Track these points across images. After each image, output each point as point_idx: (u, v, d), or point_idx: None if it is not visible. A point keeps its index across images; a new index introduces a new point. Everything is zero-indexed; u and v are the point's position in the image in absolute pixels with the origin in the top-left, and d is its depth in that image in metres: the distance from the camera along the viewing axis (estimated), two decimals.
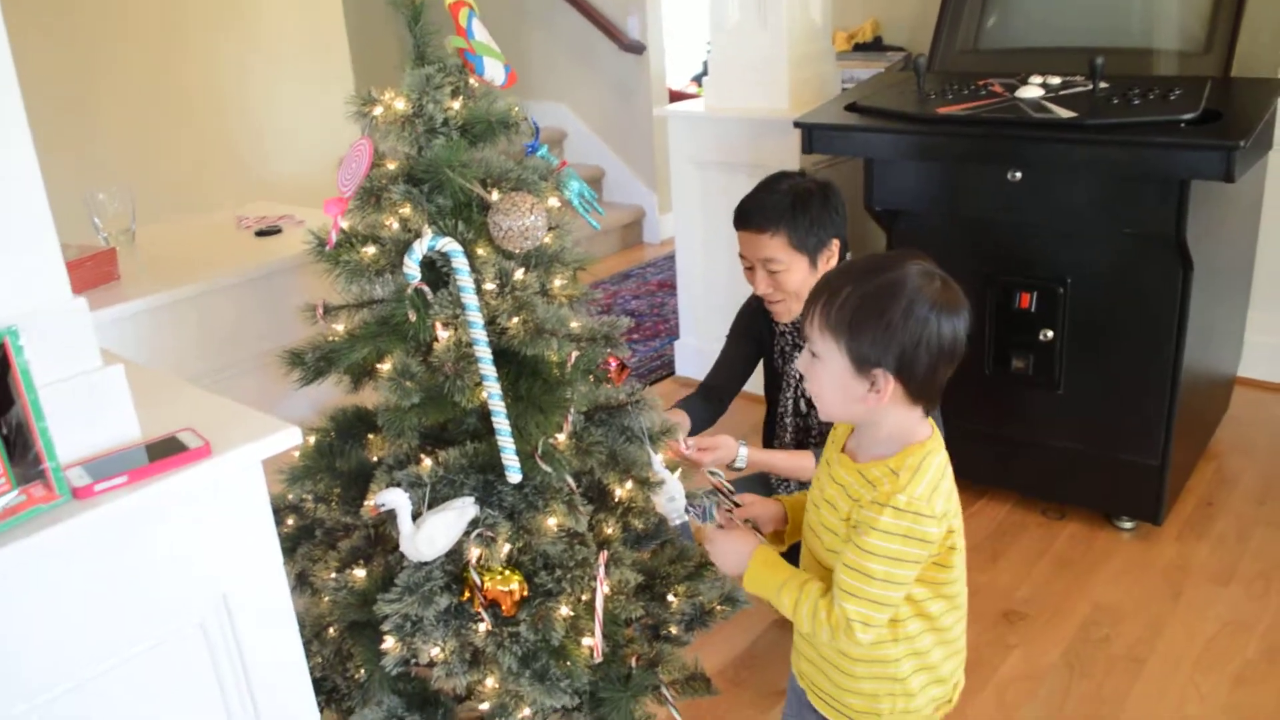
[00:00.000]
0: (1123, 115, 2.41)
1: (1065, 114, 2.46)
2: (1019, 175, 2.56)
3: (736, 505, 1.58)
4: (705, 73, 3.51)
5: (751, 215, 2.13)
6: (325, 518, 1.74)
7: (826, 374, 1.34)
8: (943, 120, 2.61)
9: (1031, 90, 2.64)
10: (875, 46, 4.00)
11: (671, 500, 1.62)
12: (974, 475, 2.88)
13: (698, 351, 3.72)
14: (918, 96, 2.78)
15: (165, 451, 1.16)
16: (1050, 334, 2.65)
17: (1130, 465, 2.68)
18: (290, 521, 1.77)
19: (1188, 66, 2.73)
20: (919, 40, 3.67)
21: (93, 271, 2.02)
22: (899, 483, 1.31)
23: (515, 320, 1.52)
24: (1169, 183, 2.37)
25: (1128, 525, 2.79)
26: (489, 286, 1.54)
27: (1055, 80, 2.69)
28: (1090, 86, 2.59)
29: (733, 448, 2.01)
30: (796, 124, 2.84)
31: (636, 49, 5.36)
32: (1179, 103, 2.42)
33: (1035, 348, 2.69)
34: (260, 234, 2.35)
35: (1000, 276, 2.69)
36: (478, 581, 1.54)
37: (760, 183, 2.19)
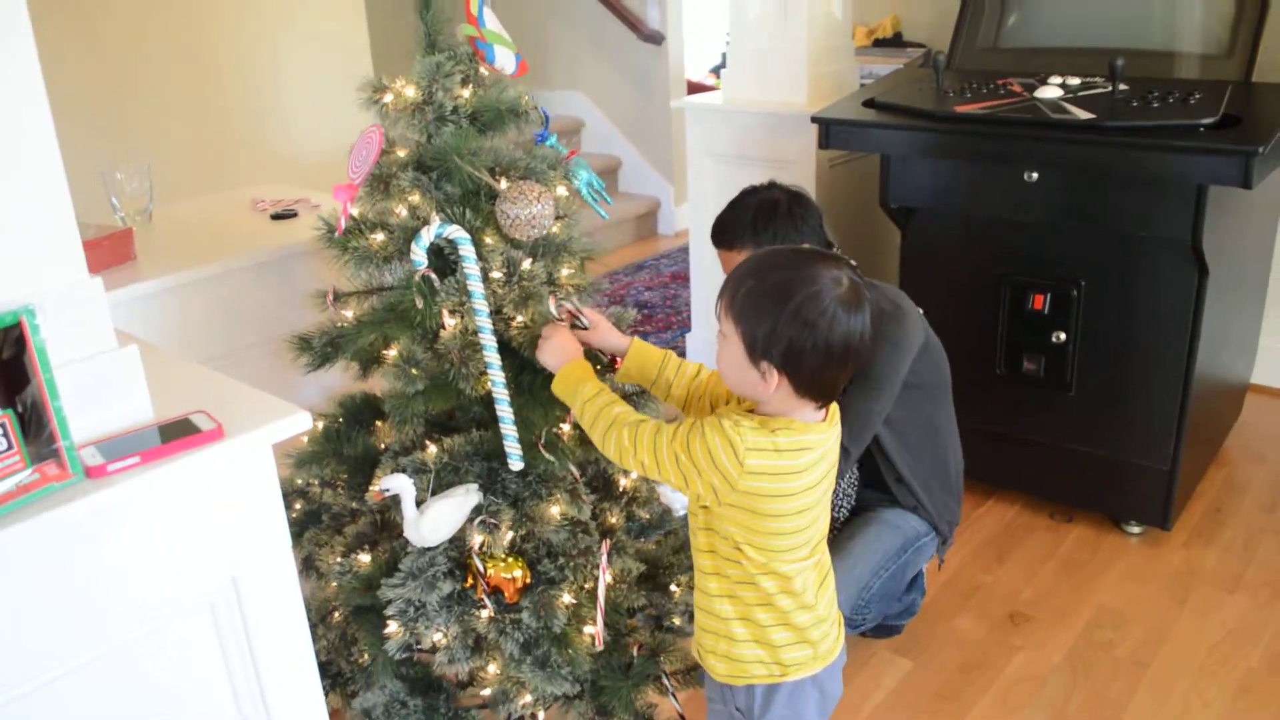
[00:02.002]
0: (1141, 118, 2.40)
1: (1084, 115, 2.45)
2: (1035, 176, 2.55)
3: (584, 328, 1.58)
4: (724, 65, 3.50)
5: (718, 232, 2.14)
6: (332, 503, 1.76)
7: (727, 354, 1.38)
8: (960, 119, 2.60)
9: (1050, 90, 2.63)
10: (895, 42, 3.98)
11: (676, 490, 1.63)
12: (983, 475, 2.88)
13: (709, 344, 3.72)
14: (936, 94, 2.77)
15: (178, 433, 1.17)
16: (1063, 336, 2.64)
17: (1140, 469, 2.67)
18: (298, 506, 1.79)
19: (1208, 70, 2.71)
20: (939, 37, 3.66)
21: (110, 251, 2.02)
22: (742, 420, 1.35)
23: (519, 320, 1.53)
24: (1186, 187, 2.35)
25: (1135, 530, 2.78)
26: (496, 275, 1.54)
27: (1075, 81, 2.67)
28: (1110, 88, 2.58)
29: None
30: (814, 119, 2.83)
31: (655, 39, 5.35)
32: (1198, 107, 2.41)
33: (1047, 349, 2.68)
34: (276, 217, 2.35)
35: (1014, 277, 2.68)
36: (481, 568, 1.55)
37: (732, 200, 2.18)
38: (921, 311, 2.22)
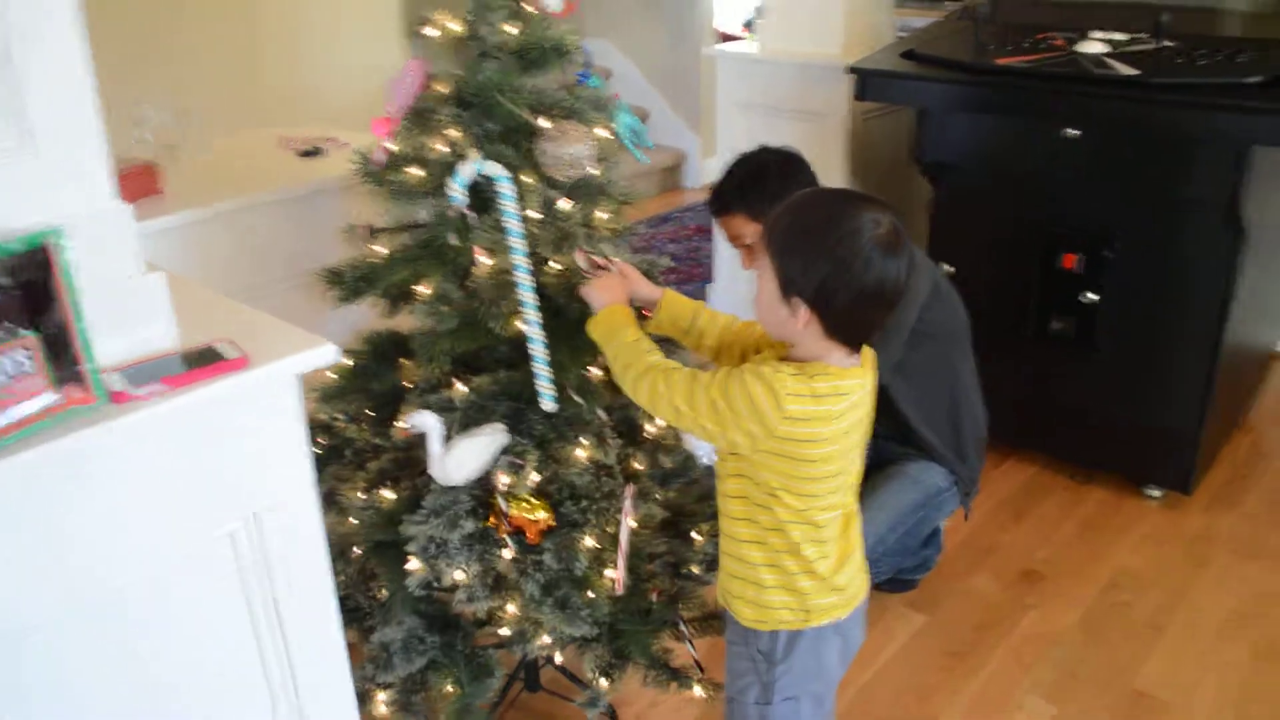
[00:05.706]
0: (1187, 75, 2.34)
1: (1127, 71, 2.40)
2: (1075, 133, 2.50)
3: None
4: (756, 17, 3.44)
5: (713, 201, 2.13)
6: (356, 438, 1.75)
7: (763, 290, 1.37)
8: (1001, 72, 2.55)
9: (1093, 45, 2.57)
10: None
11: (705, 440, 1.62)
12: (1003, 435, 2.85)
13: (731, 296, 3.70)
14: (976, 47, 2.71)
15: (202, 361, 1.16)
16: (1094, 296, 2.61)
17: (1164, 433, 2.65)
18: (321, 440, 1.78)
19: (1256, 28, 2.65)
20: None
21: (136, 184, 2.02)
22: (781, 366, 1.35)
23: (555, 267, 1.51)
24: (1230, 148, 2.31)
25: (1156, 494, 2.76)
26: (533, 214, 1.52)
27: (1119, 36, 2.61)
28: (1154, 44, 2.52)
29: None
30: (852, 69, 2.79)
31: None
32: (1246, 65, 2.35)
33: (1077, 310, 2.65)
34: (303, 154, 2.34)
35: (1046, 235, 2.64)
36: (504, 508, 1.55)
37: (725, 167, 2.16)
38: (951, 269, 2.19)
